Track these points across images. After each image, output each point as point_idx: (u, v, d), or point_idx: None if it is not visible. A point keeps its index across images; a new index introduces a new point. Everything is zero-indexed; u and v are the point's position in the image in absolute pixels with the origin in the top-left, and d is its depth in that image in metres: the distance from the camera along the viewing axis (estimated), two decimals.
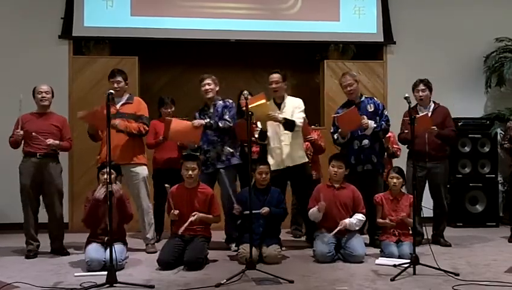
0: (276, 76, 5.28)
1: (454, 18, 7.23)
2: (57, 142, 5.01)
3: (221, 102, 5.38)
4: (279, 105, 5.31)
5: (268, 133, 5.28)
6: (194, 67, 7.24)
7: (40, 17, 6.71)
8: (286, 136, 5.23)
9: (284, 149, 5.22)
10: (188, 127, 5.20)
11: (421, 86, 5.49)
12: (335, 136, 5.44)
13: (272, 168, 5.11)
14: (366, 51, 7.29)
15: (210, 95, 5.35)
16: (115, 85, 5.20)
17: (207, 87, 5.34)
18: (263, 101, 5.00)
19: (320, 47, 7.23)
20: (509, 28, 7.20)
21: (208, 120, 5.24)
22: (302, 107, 5.35)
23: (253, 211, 4.50)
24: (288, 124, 5.16)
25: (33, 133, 4.94)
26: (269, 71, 5.38)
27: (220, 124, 5.24)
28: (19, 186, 5.05)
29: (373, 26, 7.15)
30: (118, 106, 5.16)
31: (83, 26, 6.72)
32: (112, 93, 4.20)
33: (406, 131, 5.23)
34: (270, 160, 5.22)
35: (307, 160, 5.36)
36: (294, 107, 5.30)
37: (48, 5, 6.75)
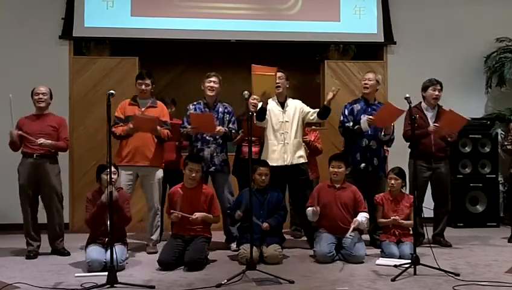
0: (279, 73, 5.28)
1: (455, 18, 7.22)
2: (49, 141, 4.92)
3: (221, 106, 5.36)
4: (282, 104, 5.32)
5: (269, 130, 5.25)
6: (194, 68, 7.23)
7: (41, 17, 6.70)
8: (289, 135, 5.23)
9: (287, 147, 5.21)
10: (210, 126, 5.07)
11: (438, 86, 5.45)
12: (348, 125, 5.37)
13: (272, 163, 5.11)
14: (367, 51, 7.28)
15: (213, 93, 5.30)
16: (143, 87, 5.21)
17: (212, 84, 5.29)
18: (272, 73, 4.98)
19: (320, 47, 7.22)
20: (509, 28, 7.19)
21: (227, 129, 5.25)
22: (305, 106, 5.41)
23: (254, 222, 4.53)
24: (326, 111, 5.25)
25: (23, 133, 4.91)
26: None
27: (233, 135, 5.32)
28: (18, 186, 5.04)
29: (373, 27, 7.14)
30: (143, 109, 5.17)
31: (83, 26, 6.71)
32: (112, 93, 4.14)
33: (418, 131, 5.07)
34: (270, 156, 5.21)
35: (306, 161, 5.35)
36: (299, 107, 5.34)
37: (48, 5, 6.74)
